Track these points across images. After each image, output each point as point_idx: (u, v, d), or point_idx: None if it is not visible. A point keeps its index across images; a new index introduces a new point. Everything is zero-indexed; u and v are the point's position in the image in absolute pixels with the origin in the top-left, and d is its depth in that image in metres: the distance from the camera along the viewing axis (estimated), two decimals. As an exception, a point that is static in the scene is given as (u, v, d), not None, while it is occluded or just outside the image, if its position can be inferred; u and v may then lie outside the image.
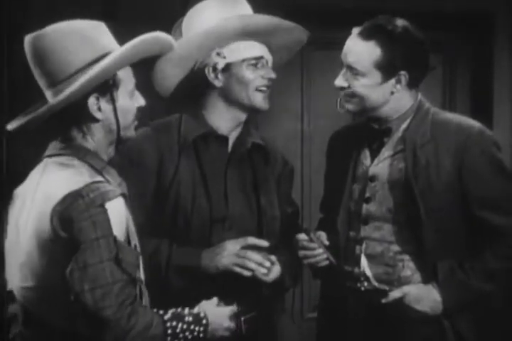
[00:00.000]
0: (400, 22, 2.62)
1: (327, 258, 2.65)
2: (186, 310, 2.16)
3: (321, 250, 2.64)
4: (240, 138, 2.74)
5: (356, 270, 2.67)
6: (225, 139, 2.71)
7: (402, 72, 2.59)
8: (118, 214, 2.08)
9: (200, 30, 2.63)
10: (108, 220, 2.04)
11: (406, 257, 2.63)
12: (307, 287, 4.30)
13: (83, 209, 2.03)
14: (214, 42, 2.63)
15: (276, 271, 2.63)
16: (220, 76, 2.66)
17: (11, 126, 2.20)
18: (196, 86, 2.71)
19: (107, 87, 2.17)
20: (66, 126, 2.20)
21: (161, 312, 2.14)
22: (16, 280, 2.16)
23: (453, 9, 4.29)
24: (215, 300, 2.25)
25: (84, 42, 2.15)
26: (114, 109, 2.19)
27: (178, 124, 2.71)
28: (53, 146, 2.21)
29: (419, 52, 2.61)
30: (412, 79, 2.61)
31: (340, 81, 2.64)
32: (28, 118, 2.16)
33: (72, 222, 2.02)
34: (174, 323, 2.11)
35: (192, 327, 2.14)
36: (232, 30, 2.61)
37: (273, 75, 2.68)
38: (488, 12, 4.33)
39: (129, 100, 2.22)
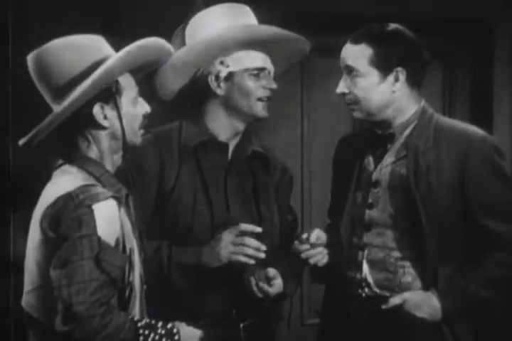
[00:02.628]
0: (390, 24, 2.65)
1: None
2: (160, 323, 2.17)
3: (319, 249, 2.66)
4: (240, 146, 2.75)
5: (358, 276, 2.67)
6: (225, 146, 2.72)
7: (399, 69, 2.60)
8: (107, 215, 2.11)
9: (204, 38, 2.63)
10: (94, 220, 2.07)
11: (407, 263, 2.62)
12: (307, 293, 4.30)
13: (72, 209, 2.07)
14: (218, 50, 2.64)
15: (279, 285, 2.64)
16: (222, 84, 2.67)
17: (21, 142, 2.22)
18: (198, 93, 2.72)
19: (110, 94, 2.20)
20: (72, 135, 2.22)
21: (136, 319, 2.16)
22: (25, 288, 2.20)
23: (452, 16, 4.30)
24: (183, 323, 2.25)
25: (83, 52, 2.18)
26: (119, 116, 2.21)
27: (178, 131, 2.72)
28: (58, 160, 2.25)
29: (412, 49, 2.62)
30: (411, 76, 2.62)
31: (341, 87, 2.66)
32: (36, 130, 2.18)
33: (59, 222, 2.07)
34: (147, 332, 2.13)
35: (164, 340, 2.15)
36: (237, 40, 2.62)
37: (274, 86, 2.69)
38: (487, 19, 4.34)
39: (134, 107, 2.25)
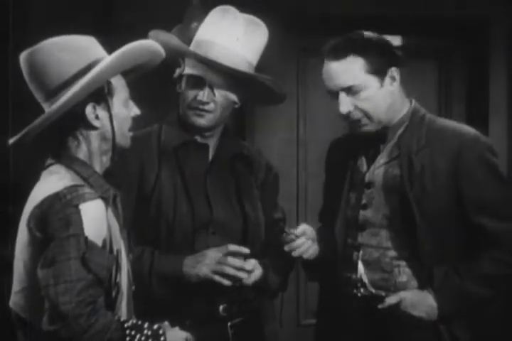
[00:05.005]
0: (359, 32, 2.63)
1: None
2: (146, 324, 2.17)
3: (302, 240, 2.64)
4: (222, 147, 2.74)
5: (353, 276, 2.67)
6: (205, 147, 2.72)
7: (392, 69, 2.61)
8: (94, 215, 2.11)
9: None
10: (81, 220, 2.08)
11: (402, 263, 2.63)
12: (302, 293, 4.31)
13: (59, 209, 2.07)
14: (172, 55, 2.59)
15: (257, 274, 2.63)
16: (178, 85, 2.68)
17: (11, 141, 2.22)
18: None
19: (102, 95, 2.20)
20: (63, 135, 2.23)
21: (122, 319, 2.16)
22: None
23: (449, 16, 4.31)
24: (167, 323, 2.25)
25: (76, 52, 2.19)
26: (110, 117, 2.22)
27: (158, 133, 2.72)
28: (48, 159, 2.25)
29: (391, 47, 2.64)
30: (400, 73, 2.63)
31: (345, 107, 2.59)
32: (26, 131, 2.18)
33: (47, 222, 2.07)
34: (133, 332, 2.13)
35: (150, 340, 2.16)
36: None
37: (205, 99, 2.63)
38: (483, 19, 4.35)
39: (124, 109, 2.26)
